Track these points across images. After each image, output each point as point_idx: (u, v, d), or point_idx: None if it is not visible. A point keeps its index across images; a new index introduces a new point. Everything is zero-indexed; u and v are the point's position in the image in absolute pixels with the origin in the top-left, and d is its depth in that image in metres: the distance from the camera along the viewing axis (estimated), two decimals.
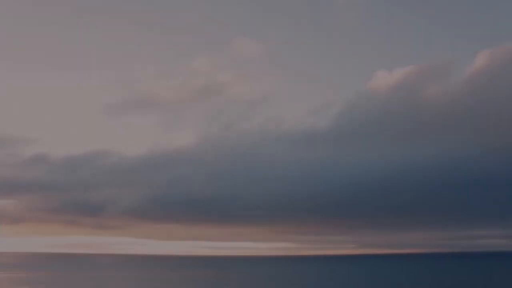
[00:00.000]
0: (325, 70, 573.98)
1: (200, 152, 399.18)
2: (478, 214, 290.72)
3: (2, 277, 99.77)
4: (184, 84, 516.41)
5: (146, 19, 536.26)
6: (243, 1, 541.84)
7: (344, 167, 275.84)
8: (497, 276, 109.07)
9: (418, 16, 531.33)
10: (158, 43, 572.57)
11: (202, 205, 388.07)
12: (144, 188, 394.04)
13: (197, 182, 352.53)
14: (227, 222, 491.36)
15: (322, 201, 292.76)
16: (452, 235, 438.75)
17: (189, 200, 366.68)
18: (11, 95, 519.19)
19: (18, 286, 75.58)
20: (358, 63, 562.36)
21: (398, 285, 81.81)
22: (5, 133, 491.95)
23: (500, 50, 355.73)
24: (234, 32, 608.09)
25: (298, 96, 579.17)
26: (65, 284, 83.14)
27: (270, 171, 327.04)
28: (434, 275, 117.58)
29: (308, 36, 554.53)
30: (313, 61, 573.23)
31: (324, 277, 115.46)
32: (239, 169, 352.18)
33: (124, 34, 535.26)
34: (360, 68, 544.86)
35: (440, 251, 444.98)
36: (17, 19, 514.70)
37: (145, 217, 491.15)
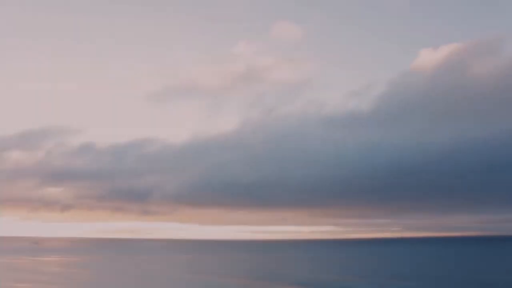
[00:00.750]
0: (366, 51, 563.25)
1: (242, 137, 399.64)
2: None
3: (53, 261, 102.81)
4: (225, 70, 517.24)
5: (187, 5, 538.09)
6: None
7: (387, 150, 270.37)
8: None
9: None
10: (199, 29, 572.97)
11: (244, 189, 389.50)
12: (187, 174, 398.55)
13: (239, 167, 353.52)
14: (270, 206, 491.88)
15: (365, 184, 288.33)
16: (499, 218, 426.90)
17: (232, 185, 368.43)
18: (58, 86, 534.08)
19: (68, 270, 77.46)
20: (401, 42, 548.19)
21: (443, 269, 79.46)
22: (54, 124, 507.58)
23: None
24: (274, 16, 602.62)
25: (339, 78, 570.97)
26: (112, 268, 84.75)
27: (312, 154, 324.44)
28: (480, 258, 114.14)
29: (349, 16, 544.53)
30: (355, 42, 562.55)
31: (368, 260, 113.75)
32: (281, 153, 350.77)
33: (165, 21, 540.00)
34: (404, 47, 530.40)
35: (487, 234, 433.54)
36: (57, 9, 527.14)
37: (189, 202, 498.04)
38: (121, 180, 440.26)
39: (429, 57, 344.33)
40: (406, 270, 78.22)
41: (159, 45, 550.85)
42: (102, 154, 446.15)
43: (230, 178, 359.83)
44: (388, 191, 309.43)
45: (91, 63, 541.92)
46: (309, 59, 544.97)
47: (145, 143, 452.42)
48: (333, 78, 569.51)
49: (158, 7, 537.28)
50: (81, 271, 76.47)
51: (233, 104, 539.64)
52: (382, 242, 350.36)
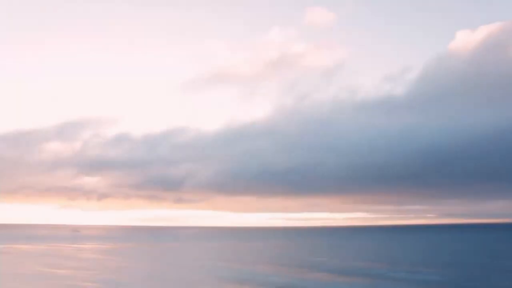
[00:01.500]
0: (401, 34, 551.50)
1: (275, 123, 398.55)
2: None
3: (90, 248, 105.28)
4: (258, 57, 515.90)
5: None
6: None
7: (423, 135, 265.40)
8: None
9: None
10: (232, 17, 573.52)
11: (277, 176, 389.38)
12: (221, 162, 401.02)
13: (272, 154, 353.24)
14: (302, 193, 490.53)
15: (400, 170, 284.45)
16: None
17: (265, 172, 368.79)
18: (94, 78, 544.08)
19: (104, 256, 79.09)
20: (437, 24, 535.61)
21: (480, 257, 77.64)
22: (90, 115, 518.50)
23: None
24: (307, 2, 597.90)
25: (372, 63, 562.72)
26: (146, 255, 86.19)
27: (345, 140, 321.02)
28: None
29: None
30: (389, 25, 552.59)
31: (401, 247, 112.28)
32: (314, 140, 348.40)
33: (198, 10, 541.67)
34: (440, 29, 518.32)
35: None
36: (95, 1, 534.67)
37: (222, 190, 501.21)
38: (155, 169, 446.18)
39: (466, 39, 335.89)
40: (440, 257, 76.83)
41: (193, 34, 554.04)
42: (137, 143, 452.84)
43: (263, 165, 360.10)
44: (423, 177, 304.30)
45: (125, 54, 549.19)
46: (342, 44, 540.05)
47: (179, 132, 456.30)
48: (367, 63, 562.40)
49: None
50: (117, 258, 77.97)
51: (266, 91, 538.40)
52: (417, 229, 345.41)
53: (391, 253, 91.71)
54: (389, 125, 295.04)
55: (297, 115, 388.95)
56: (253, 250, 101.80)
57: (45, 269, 55.98)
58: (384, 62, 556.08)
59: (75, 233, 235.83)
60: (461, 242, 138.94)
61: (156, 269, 57.60)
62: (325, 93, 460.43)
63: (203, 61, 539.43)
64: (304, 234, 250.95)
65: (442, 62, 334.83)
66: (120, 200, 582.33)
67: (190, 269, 56.14)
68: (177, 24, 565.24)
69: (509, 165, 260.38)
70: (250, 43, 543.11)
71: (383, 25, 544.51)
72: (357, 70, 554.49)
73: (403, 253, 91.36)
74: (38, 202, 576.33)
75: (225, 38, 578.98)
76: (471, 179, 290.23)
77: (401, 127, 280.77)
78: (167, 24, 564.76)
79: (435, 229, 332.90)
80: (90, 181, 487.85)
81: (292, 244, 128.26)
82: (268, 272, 52.16)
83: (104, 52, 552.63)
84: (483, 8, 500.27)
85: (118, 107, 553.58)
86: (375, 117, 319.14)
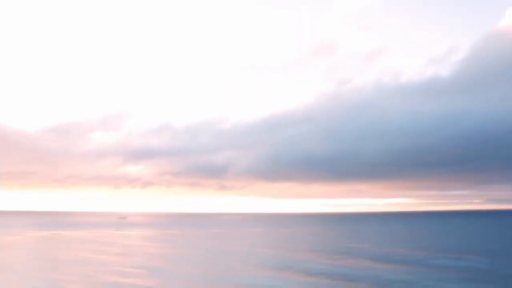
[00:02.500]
0: (446, 14, 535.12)
1: (316, 109, 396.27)
2: None
3: (136, 235, 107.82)
4: (299, 42, 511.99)
5: None
6: None
7: (469, 118, 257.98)
8: None
9: None
10: (274, 4, 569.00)
11: (319, 162, 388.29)
12: (262, 149, 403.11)
13: (314, 140, 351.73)
14: (344, 178, 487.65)
15: (445, 155, 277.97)
16: None
17: (306, 158, 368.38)
18: (137, 69, 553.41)
19: (149, 243, 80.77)
20: (484, 2, 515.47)
21: None
22: (133, 106, 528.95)
23: None
24: None
25: (417, 45, 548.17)
26: (190, 241, 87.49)
27: (388, 125, 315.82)
28: None
29: None
30: (434, 4, 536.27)
31: (446, 233, 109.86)
32: (356, 125, 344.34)
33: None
34: (489, 6, 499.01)
35: None
36: None
37: (264, 177, 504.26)
38: (197, 157, 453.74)
39: None
40: (486, 244, 74.78)
41: (233, 22, 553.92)
42: (178, 132, 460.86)
43: (304, 151, 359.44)
44: (469, 162, 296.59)
45: (165, 46, 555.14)
46: (385, 26, 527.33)
47: (221, 120, 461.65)
48: (411, 45, 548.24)
49: None
50: (161, 244, 79.52)
51: (307, 77, 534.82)
52: (462, 215, 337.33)
53: (434, 239, 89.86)
54: (433, 108, 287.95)
55: (339, 100, 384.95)
56: (294, 236, 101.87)
57: (91, 255, 57.73)
58: (429, 44, 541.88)
59: (121, 220, 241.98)
60: (508, 228, 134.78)
61: (198, 255, 58.44)
62: (368, 77, 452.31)
63: (242, 49, 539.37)
64: (346, 220, 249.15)
65: (491, 42, 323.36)
66: (163, 188, 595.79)
67: (231, 256, 56.69)
68: (219, 14, 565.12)
69: None
70: (290, 29, 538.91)
71: (428, 4, 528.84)
72: (400, 53, 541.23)
73: (447, 239, 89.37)
74: (84, 190, 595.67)
75: (266, 25, 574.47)
76: None
77: (446, 111, 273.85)
78: (208, 15, 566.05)
79: (481, 215, 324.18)
80: (134, 169, 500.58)
81: (333, 230, 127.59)
82: (308, 259, 52.08)
83: (145, 44, 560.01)
84: None
85: (160, 97, 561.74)
86: (419, 101, 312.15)
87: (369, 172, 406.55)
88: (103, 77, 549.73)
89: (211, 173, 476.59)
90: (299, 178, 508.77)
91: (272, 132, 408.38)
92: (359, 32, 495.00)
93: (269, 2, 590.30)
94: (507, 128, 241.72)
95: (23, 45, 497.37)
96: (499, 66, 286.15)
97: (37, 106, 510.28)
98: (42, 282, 36.13)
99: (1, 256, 56.76)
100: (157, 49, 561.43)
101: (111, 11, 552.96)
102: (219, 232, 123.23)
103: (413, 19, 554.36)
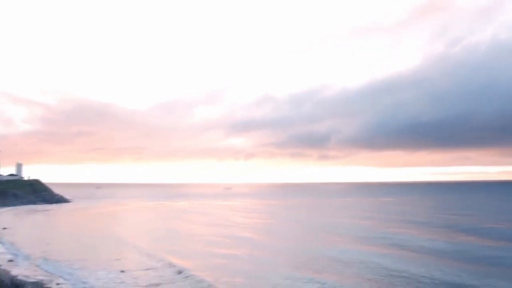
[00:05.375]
0: None
1: (424, 73, 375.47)
2: None
3: (237, 205, 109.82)
4: (404, 2, 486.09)
5: None
6: None
7: None
8: None
9: None
10: None
11: (426, 129, 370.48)
12: (366, 117, 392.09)
13: (421, 105, 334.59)
14: (452, 145, 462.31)
15: None
16: None
17: (413, 125, 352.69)
18: (236, 42, 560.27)
19: (250, 214, 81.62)
20: None
21: None
22: (234, 78, 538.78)
23: None
24: None
25: None
26: (288, 211, 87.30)
27: (503, 86, 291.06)
28: None
29: None
30: None
31: None
32: (468, 87, 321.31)
33: None
34: None
35: None
36: None
37: (367, 145, 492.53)
38: (299, 127, 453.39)
39: None
40: None
41: None
42: (281, 103, 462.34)
43: (411, 118, 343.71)
44: None
45: (263, 16, 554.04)
46: None
47: (323, 88, 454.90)
48: None
49: None
50: (258, 214, 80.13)
51: (414, 39, 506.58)
52: None
53: None
54: None
55: (449, 62, 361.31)
56: (393, 206, 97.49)
57: (184, 225, 59.33)
58: None
59: (227, 191, 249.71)
60: None
61: (293, 226, 57.83)
62: (482, 35, 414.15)
63: (343, 12, 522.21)
64: (453, 189, 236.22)
65: None
66: (265, 159, 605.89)
67: (325, 227, 55.20)
68: None
69: None
70: None
71: None
72: None
73: None
74: (191, 163, 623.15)
75: None
76: None
77: None
78: None
79: None
80: (237, 141, 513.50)
81: (436, 201, 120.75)
82: (404, 232, 49.11)
83: (244, 18, 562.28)
84: None
85: (261, 69, 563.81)
86: None
87: (480, 138, 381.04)
88: (204, 54, 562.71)
89: (312, 143, 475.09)
90: (404, 146, 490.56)
91: (376, 99, 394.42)
92: None
93: None
94: None
95: (131, 31, 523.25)
96: None
97: (146, 86, 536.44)
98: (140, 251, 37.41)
99: (99, 223, 60.30)
100: (256, 21, 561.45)
101: None
102: (319, 202, 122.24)
103: None
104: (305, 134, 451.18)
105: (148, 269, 30.16)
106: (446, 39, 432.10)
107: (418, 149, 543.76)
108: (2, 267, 29.50)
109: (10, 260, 33.14)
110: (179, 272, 28.67)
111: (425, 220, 62.87)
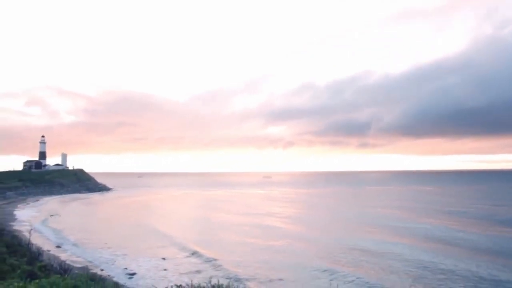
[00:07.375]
0: None
1: (470, 57, 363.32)
2: None
3: (275, 195, 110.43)
4: None
5: None
6: None
7: None
8: None
9: None
10: None
11: (470, 115, 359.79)
12: (408, 104, 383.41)
13: (465, 91, 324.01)
14: (498, 132, 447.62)
15: None
16: None
17: (456, 111, 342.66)
18: (275, 31, 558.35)
19: (287, 204, 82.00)
20: None
21: None
22: (274, 67, 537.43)
23: None
24: None
25: None
26: (324, 200, 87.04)
27: None
28: None
29: None
30: None
31: None
32: None
33: None
34: None
35: None
36: None
37: (408, 133, 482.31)
38: (339, 115, 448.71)
39: None
40: None
41: None
42: (320, 91, 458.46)
43: (454, 104, 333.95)
44: None
45: (304, 3, 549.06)
46: None
47: (364, 75, 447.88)
48: None
49: None
50: (294, 204, 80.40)
51: (460, 23, 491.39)
52: None
53: None
54: None
55: (497, 45, 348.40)
56: (430, 195, 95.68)
57: (212, 214, 60.33)
58: None
59: (267, 179, 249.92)
60: None
61: (325, 216, 57.97)
62: None
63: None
64: (497, 178, 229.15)
65: None
66: (304, 148, 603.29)
67: (356, 217, 54.99)
68: None
69: None
70: None
71: None
72: None
73: None
74: (230, 152, 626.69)
75: None
76: None
77: None
78: None
79: None
80: (276, 130, 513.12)
81: (476, 190, 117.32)
82: (433, 222, 48.21)
83: (282, 3, 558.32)
84: None
85: (301, 57, 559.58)
86: None
87: None
88: (244, 43, 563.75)
89: (352, 131, 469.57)
90: (447, 133, 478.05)
91: (420, 85, 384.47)
92: None
93: None
94: None
95: (173, 24, 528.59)
96: None
97: (186, 76, 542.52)
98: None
99: (138, 212, 62.05)
100: (296, 7, 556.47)
101: None
102: (357, 191, 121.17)
103: None
104: (345, 122, 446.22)
105: (188, 256, 31.22)
106: (493, 21, 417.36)
107: (461, 136, 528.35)
108: (51, 252, 31.31)
109: (58, 246, 35.11)
110: (213, 260, 29.49)
111: (461, 210, 61.45)
